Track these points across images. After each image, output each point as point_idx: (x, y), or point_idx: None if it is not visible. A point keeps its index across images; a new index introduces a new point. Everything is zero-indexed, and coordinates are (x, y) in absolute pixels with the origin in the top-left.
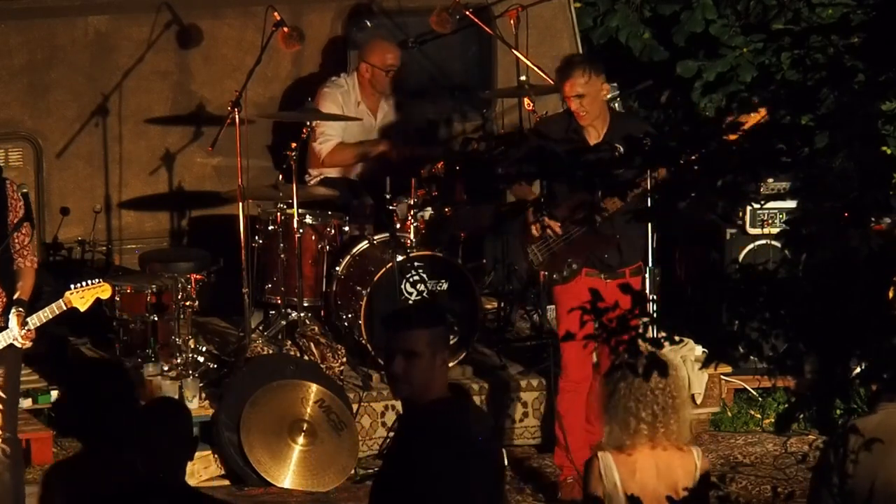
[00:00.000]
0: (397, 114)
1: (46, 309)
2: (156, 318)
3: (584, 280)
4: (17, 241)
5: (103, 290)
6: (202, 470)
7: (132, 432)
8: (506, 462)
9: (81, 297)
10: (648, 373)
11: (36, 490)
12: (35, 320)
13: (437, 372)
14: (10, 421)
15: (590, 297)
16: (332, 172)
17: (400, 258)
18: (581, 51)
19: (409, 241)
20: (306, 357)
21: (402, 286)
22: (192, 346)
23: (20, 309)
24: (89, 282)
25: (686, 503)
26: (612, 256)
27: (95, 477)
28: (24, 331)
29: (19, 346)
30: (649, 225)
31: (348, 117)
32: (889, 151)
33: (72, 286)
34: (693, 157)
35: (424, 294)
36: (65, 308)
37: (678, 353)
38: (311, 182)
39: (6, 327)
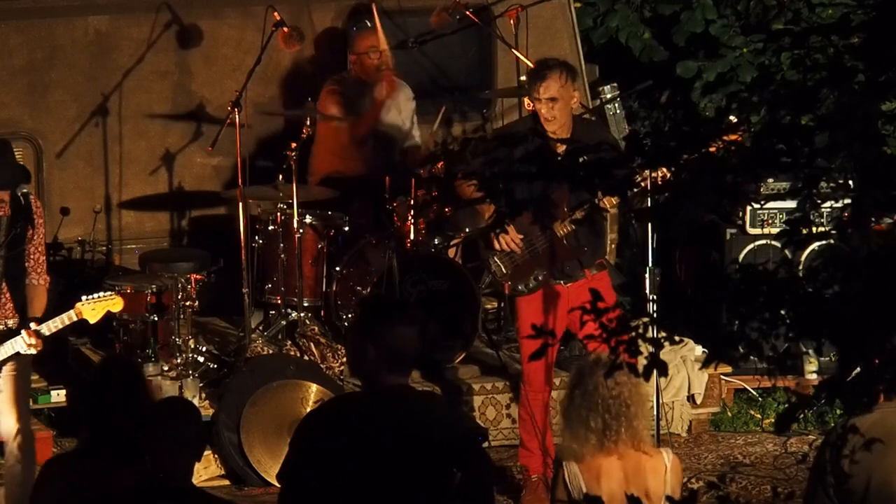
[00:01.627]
0: (401, 107)
1: (57, 319)
2: (156, 318)
3: (545, 289)
4: (32, 257)
5: (115, 304)
6: (202, 470)
7: (140, 431)
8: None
9: (93, 308)
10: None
11: None
12: (44, 330)
13: (359, 359)
14: (24, 417)
15: (549, 305)
16: (340, 168)
17: (400, 258)
18: (581, 51)
19: (409, 241)
20: (306, 357)
21: (402, 286)
22: (192, 346)
23: (35, 326)
24: (101, 294)
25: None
26: (573, 265)
27: (95, 475)
28: (33, 339)
29: (24, 352)
30: (649, 225)
31: (347, 118)
32: (889, 151)
33: (83, 297)
34: (693, 157)
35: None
36: (75, 319)
37: (678, 353)
38: (314, 179)
39: (17, 334)
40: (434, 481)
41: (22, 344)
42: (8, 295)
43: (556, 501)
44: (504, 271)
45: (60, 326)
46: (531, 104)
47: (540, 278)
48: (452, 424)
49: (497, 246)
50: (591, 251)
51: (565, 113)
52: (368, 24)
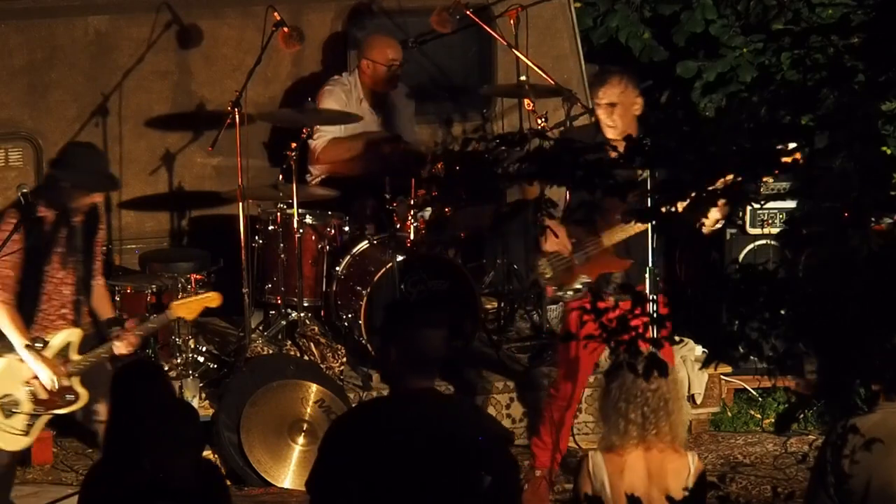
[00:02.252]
0: (400, 109)
1: (154, 319)
2: None
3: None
4: (98, 259)
5: (212, 300)
6: None
7: (141, 433)
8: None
9: (188, 307)
10: (648, 373)
11: (35, 490)
12: (141, 331)
13: (384, 363)
14: None
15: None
16: (334, 171)
17: (400, 258)
18: (581, 51)
19: (409, 241)
20: (306, 357)
21: (402, 286)
22: (192, 346)
23: (131, 325)
24: (198, 292)
25: None
26: (620, 278)
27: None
28: (133, 339)
29: (118, 353)
30: (649, 225)
31: (348, 117)
32: (889, 151)
33: (178, 296)
34: (693, 158)
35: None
36: (172, 319)
37: (678, 353)
38: (313, 181)
39: (105, 340)
40: (460, 485)
41: (118, 345)
42: (83, 297)
43: (579, 491)
44: (550, 275)
45: (157, 327)
46: (531, 104)
47: (583, 286)
48: (478, 428)
49: (546, 247)
50: (640, 266)
51: (625, 120)
52: (369, 23)
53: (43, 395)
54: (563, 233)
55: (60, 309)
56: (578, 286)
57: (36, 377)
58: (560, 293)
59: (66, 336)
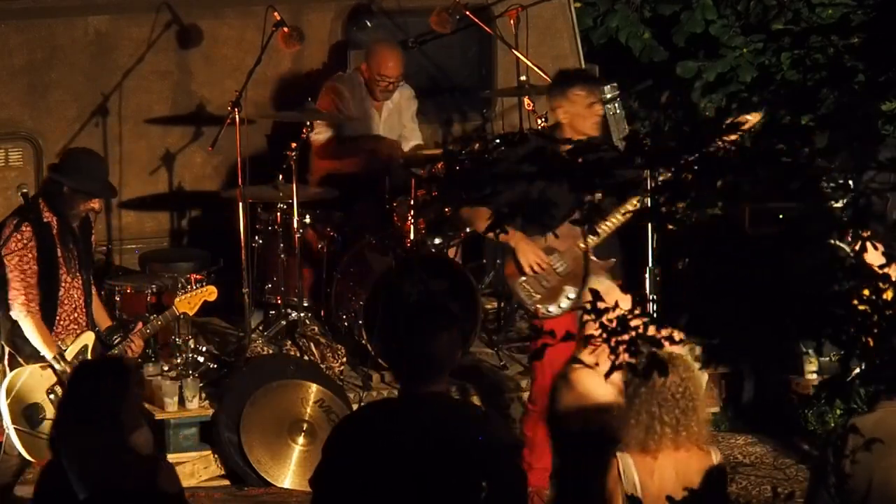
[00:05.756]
0: (402, 108)
1: (160, 317)
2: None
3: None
4: (93, 265)
5: (210, 293)
6: (202, 470)
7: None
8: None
9: (189, 302)
10: (649, 373)
11: (33, 490)
12: (150, 329)
13: (394, 366)
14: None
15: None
16: (333, 168)
17: (400, 258)
18: (581, 51)
19: (409, 241)
20: (306, 357)
21: (402, 286)
22: (192, 346)
23: (140, 328)
24: (195, 286)
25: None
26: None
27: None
28: (141, 342)
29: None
30: (650, 225)
31: (348, 117)
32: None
33: (178, 293)
34: (693, 158)
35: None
36: (177, 314)
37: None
38: (313, 181)
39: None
40: (459, 491)
41: (129, 348)
42: (90, 300)
43: (609, 493)
44: (534, 296)
45: (162, 324)
46: (531, 104)
47: (571, 296)
48: (485, 434)
49: (527, 270)
50: (619, 264)
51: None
52: (369, 23)
53: None
54: (538, 251)
55: (72, 314)
56: (566, 300)
57: (57, 384)
58: (550, 311)
59: (82, 340)
